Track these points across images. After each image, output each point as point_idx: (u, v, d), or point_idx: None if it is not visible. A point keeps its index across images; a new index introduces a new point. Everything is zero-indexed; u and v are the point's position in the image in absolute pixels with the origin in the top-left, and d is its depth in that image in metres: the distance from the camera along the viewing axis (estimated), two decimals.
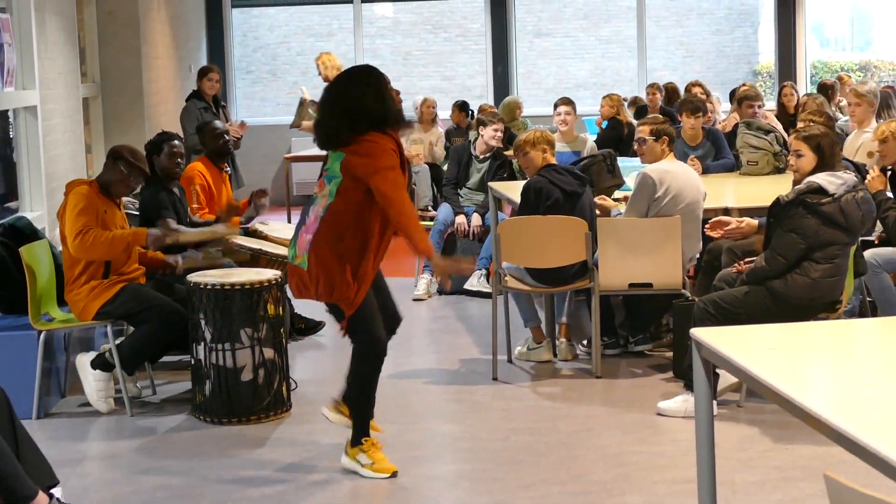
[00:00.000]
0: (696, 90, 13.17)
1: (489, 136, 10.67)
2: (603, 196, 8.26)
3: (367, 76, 5.91)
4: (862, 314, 7.64)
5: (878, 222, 7.69)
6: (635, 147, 7.93)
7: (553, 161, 8.01)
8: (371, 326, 5.89)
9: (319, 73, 12.63)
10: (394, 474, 5.95)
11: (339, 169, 5.75)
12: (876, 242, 7.85)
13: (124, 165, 7.21)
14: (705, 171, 9.88)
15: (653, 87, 14.90)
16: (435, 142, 15.07)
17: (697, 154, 10.23)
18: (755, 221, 7.27)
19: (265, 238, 8.62)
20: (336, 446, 6.40)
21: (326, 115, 5.89)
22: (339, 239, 5.75)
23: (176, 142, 8.10)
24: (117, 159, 7.23)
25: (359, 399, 6.00)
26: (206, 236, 7.91)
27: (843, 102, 13.16)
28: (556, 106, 11.23)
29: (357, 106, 5.77)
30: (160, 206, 7.93)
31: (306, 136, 16.53)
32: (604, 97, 13.79)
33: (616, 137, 13.00)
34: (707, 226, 7.40)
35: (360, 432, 6.01)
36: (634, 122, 13.27)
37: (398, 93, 6.11)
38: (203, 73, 11.88)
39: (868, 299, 7.78)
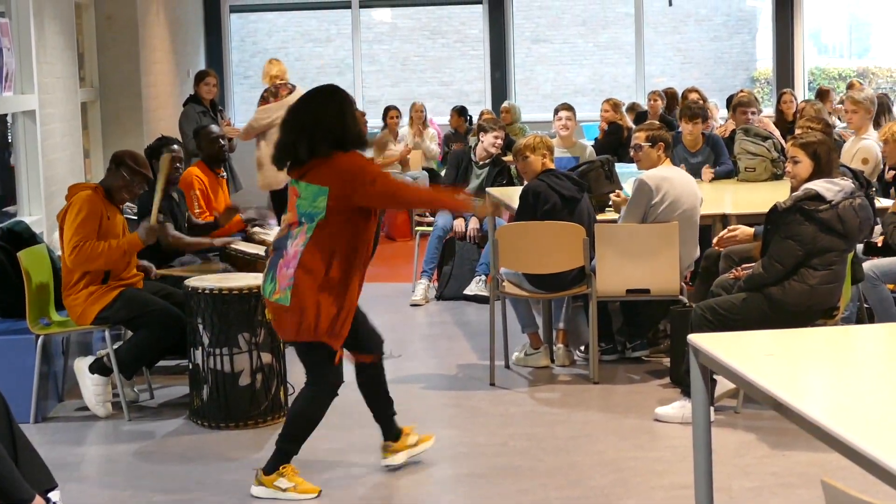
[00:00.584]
0: (693, 96, 13.17)
1: (489, 142, 10.67)
2: (618, 192, 8.25)
3: (329, 95, 5.74)
4: (859, 321, 7.64)
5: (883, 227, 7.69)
6: (632, 153, 7.94)
7: (552, 166, 8.03)
8: (338, 366, 5.79)
9: None
10: (318, 493, 5.81)
11: (324, 205, 5.53)
12: (879, 245, 7.83)
13: (127, 171, 7.22)
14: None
15: (654, 94, 14.91)
16: (429, 141, 15.19)
17: (697, 160, 10.25)
18: (750, 229, 7.28)
19: (263, 243, 8.63)
20: (334, 451, 6.41)
21: (285, 133, 5.70)
22: (324, 271, 5.56)
23: (175, 146, 8.13)
24: (120, 165, 7.24)
25: (299, 434, 5.82)
26: (193, 271, 7.82)
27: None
28: (556, 111, 11.29)
29: (316, 124, 5.60)
30: (158, 210, 7.94)
31: None
32: (605, 101, 13.77)
33: (616, 142, 13.01)
34: (715, 240, 7.42)
35: (281, 461, 5.81)
36: (634, 126, 13.28)
37: (363, 114, 5.96)
38: (200, 78, 11.90)
39: (865, 305, 7.79)
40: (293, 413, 5.85)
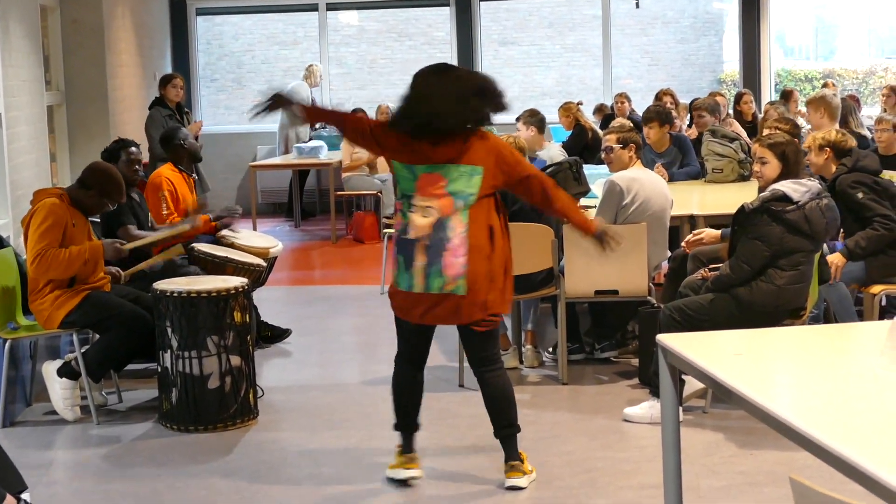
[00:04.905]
0: (667, 99, 13.21)
1: None
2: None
3: (456, 70, 5.83)
4: (827, 320, 7.69)
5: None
6: (602, 155, 7.97)
7: None
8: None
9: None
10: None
11: (478, 184, 5.56)
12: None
13: (107, 197, 7.21)
14: (671, 178, 9.96)
15: (621, 96, 14.97)
16: None
17: (664, 160, 10.30)
18: (716, 231, 7.32)
19: (232, 245, 8.60)
20: (303, 454, 6.41)
21: (457, 101, 5.53)
22: (489, 248, 5.63)
23: (133, 149, 8.11)
24: (101, 193, 7.19)
25: (515, 414, 5.98)
26: (170, 234, 7.93)
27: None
28: None
29: (486, 87, 5.61)
30: (120, 213, 7.93)
31: (270, 144, 16.51)
32: (559, 108, 13.89)
33: (581, 144, 13.05)
34: (684, 242, 7.45)
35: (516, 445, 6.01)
36: (598, 129, 13.35)
37: None
38: (166, 81, 11.87)
39: None
40: (508, 399, 5.97)
